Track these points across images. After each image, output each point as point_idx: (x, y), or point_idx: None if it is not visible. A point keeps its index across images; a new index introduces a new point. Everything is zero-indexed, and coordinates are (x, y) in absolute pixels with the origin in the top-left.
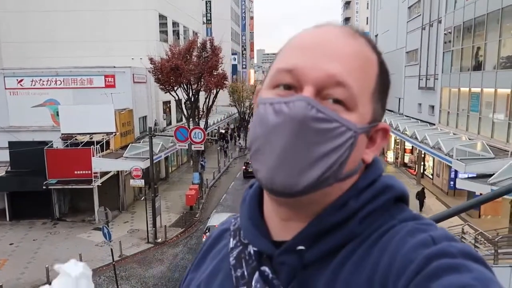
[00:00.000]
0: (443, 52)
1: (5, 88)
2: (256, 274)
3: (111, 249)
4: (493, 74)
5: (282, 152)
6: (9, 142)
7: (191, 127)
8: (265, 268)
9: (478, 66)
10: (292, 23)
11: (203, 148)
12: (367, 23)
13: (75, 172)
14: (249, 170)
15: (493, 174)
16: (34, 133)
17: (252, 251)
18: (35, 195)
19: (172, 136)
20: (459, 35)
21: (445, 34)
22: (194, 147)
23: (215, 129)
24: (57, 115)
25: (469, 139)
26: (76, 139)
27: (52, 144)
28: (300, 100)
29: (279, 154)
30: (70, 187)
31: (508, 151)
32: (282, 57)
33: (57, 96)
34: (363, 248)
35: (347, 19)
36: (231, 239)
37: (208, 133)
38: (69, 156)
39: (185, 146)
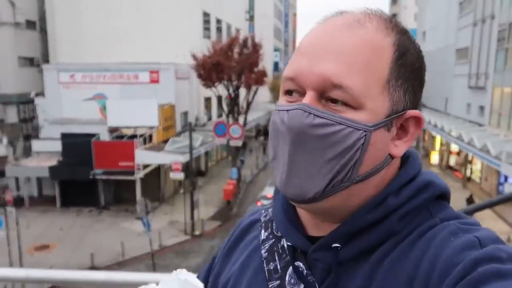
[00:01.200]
0: (497, 50)
1: (58, 82)
2: (290, 269)
3: (150, 239)
4: None
5: (288, 162)
6: (62, 134)
7: (230, 122)
8: (299, 264)
9: None
10: None
11: (241, 144)
12: (415, 19)
13: (119, 164)
14: None
15: None
16: (84, 125)
17: (285, 245)
18: (83, 184)
19: (208, 131)
20: None
21: (499, 31)
22: (232, 143)
23: (255, 125)
24: (105, 108)
25: None
26: (121, 132)
27: (99, 136)
28: (296, 109)
29: (286, 164)
30: (114, 177)
31: None
32: (289, 63)
33: (105, 90)
34: (402, 247)
35: (394, 15)
36: (262, 231)
37: (248, 129)
38: (114, 148)
39: (223, 141)
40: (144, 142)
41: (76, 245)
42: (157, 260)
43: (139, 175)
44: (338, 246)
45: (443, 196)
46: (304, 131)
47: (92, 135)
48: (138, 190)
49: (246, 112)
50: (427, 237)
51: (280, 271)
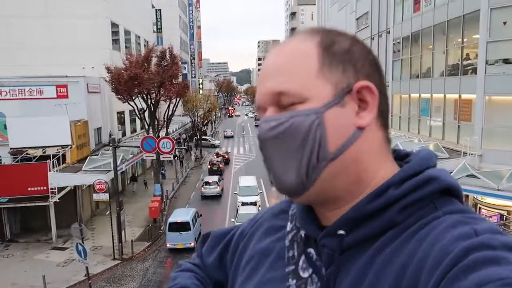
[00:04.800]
0: (393, 61)
1: None
2: (303, 255)
3: (87, 267)
4: (442, 80)
5: (269, 167)
6: None
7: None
8: (311, 250)
9: (426, 73)
10: (239, 34)
11: (172, 158)
12: None
13: (29, 189)
14: (214, 168)
15: (451, 172)
16: None
17: (302, 235)
18: None
19: (132, 147)
20: (407, 45)
21: (393, 44)
22: (163, 157)
23: (176, 138)
24: (5, 128)
25: (422, 141)
26: (27, 154)
27: (0, 159)
28: (261, 122)
29: (270, 169)
30: (23, 205)
31: (460, 151)
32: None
33: (1, 108)
34: (403, 238)
35: (293, 29)
36: (289, 223)
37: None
38: (21, 172)
39: (153, 156)
40: (58, 163)
41: None
42: None
43: (54, 199)
44: (343, 233)
45: (453, 193)
46: (267, 135)
47: None
48: (52, 216)
49: (167, 126)
50: (427, 229)
51: (296, 257)
